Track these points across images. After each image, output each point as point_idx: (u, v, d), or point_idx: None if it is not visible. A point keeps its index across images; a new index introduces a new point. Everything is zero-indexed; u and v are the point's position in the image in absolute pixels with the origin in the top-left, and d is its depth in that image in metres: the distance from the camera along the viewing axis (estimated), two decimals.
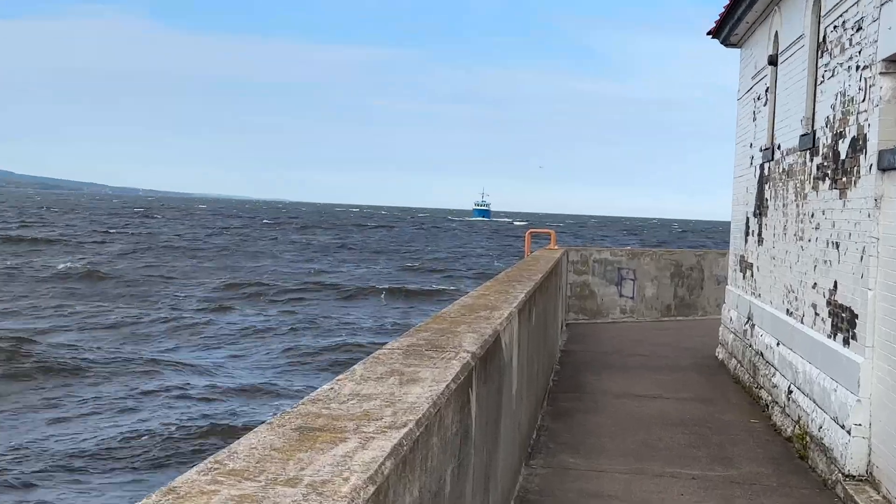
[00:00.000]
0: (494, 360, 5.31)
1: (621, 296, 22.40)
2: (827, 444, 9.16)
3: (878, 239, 8.44)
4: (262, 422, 2.80)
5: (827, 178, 10.07)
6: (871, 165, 8.54)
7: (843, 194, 9.42)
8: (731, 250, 16.82)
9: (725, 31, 16.31)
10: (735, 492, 8.52)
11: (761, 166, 14.09)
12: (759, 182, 14.25)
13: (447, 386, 3.53)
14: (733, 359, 15.23)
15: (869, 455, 8.46)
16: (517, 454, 7.87)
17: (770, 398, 12.02)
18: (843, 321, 9.15)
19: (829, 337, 9.59)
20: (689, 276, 22.85)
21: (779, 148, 12.83)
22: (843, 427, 8.77)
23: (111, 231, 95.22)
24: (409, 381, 3.55)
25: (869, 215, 8.55)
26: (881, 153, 8.39)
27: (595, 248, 22.57)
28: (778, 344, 12.01)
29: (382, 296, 43.84)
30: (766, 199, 13.56)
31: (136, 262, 57.98)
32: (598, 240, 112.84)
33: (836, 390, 9.13)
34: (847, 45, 9.54)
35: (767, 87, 13.98)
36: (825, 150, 10.19)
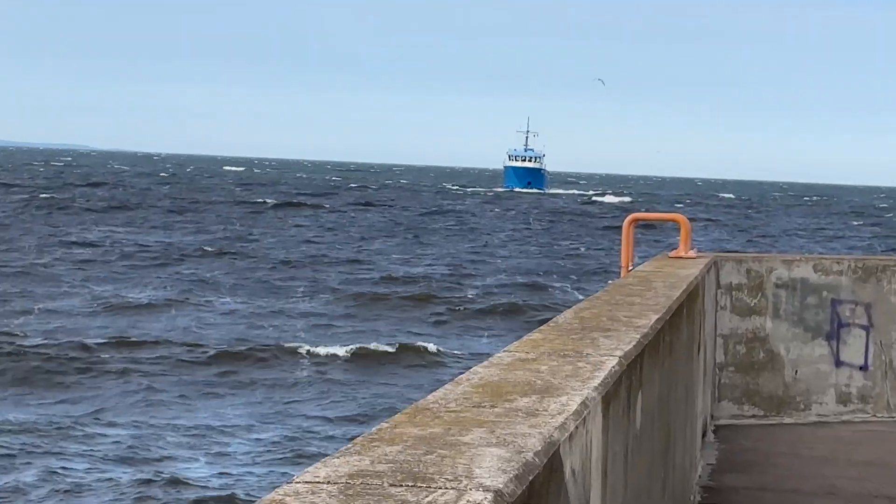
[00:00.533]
0: None
1: (839, 363, 19.05)
2: None
3: None
4: None
5: None
6: None
7: None
8: None
9: None
10: None
11: None
12: None
13: None
14: None
15: None
16: None
17: None
18: None
19: None
20: None
21: None
22: None
23: None
24: None
25: None
26: None
27: (780, 257, 19.22)
28: None
29: (303, 354, 37.48)
30: None
31: None
32: (786, 237, 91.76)
33: None
34: None
35: None
36: None
